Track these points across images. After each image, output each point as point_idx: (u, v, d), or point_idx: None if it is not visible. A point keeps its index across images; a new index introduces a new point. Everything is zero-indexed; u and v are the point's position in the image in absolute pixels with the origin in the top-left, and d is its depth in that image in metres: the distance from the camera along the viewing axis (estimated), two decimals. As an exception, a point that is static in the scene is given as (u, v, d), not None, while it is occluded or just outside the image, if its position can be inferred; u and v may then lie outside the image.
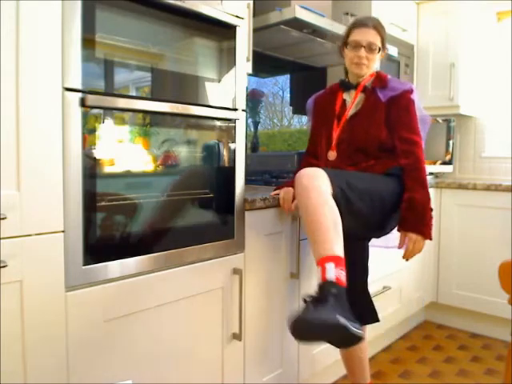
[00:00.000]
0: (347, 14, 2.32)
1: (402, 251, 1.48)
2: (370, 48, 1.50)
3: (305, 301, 1.12)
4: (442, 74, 2.75)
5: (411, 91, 1.53)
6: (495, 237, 2.42)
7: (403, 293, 2.35)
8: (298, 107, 2.82)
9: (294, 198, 1.52)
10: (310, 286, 1.74)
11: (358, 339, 1.07)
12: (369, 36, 1.50)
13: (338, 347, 1.12)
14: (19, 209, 0.94)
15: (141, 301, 1.19)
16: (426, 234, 1.43)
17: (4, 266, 0.91)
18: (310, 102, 1.76)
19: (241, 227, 1.45)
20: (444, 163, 2.89)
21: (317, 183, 1.24)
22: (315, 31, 1.99)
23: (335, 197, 1.26)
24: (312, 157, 1.72)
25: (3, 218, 0.91)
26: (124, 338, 1.16)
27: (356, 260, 1.53)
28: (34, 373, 0.98)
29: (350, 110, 1.58)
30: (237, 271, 1.43)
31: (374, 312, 1.54)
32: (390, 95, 1.52)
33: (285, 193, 1.51)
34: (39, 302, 0.98)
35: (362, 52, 1.50)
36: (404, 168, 1.48)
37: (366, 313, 1.53)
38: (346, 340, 1.08)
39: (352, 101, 1.58)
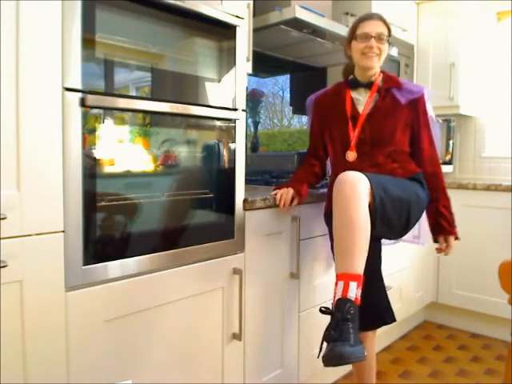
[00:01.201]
0: (347, 13, 2.32)
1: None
2: (379, 38, 1.48)
3: (323, 312, 1.22)
4: (442, 74, 2.75)
5: (426, 93, 1.56)
6: (495, 237, 2.42)
7: (403, 293, 2.35)
8: (298, 107, 2.82)
9: (292, 199, 1.53)
10: (310, 286, 1.75)
11: (362, 359, 1.15)
12: (377, 27, 1.49)
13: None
14: (19, 209, 0.94)
15: (141, 301, 1.18)
16: (456, 235, 1.60)
17: (4, 266, 0.91)
18: (310, 101, 1.73)
19: (241, 227, 1.45)
20: (444, 163, 2.89)
21: (358, 192, 1.25)
22: (315, 31, 1.98)
23: (373, 205, 1.29)
24: (313, 158, 1.71)
25: (3, 218, 0.91)
26: (124, 338, 1.16)
27: (375, 262, 1.52)
28: (34, 373, 0.98)
29: (367, 110, 1.54)
30: (237, 271, 1.43)
31: (392, 312, 1.54)
32: (410, 98, 1.52)
33: (285, 193, 1.52)
34: (39, 302, 0.98)
35: (373, 42, 1.48)
36: (428, 175, 1.55)
37: (385, 313, 1.53)
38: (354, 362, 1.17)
39: (368, 100, 1.55)
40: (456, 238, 1.59)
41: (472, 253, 2.50)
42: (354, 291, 1.18)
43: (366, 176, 1.30)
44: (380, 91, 1.54)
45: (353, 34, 1.53)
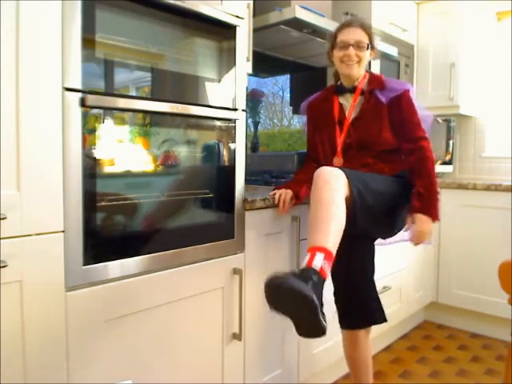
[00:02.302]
0: (347, 13, 2.32)
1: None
2: (358, 46, 1.49)
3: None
4: (442, 74, 2.75)
5: (410, 90, 1.54)
6: (495, 237, 2.42)
7: (403, 293, 2.35)
8: (298, 107, 2.79)
9: (290, 200, 1.53)
10: (310, 286, 1.75)
11: (322, 331, 1.08)
12: (355, 34, 1.50)
13: (300, 334, 1.13)
14: (19, 209, 0.94)
15: (141, 301, 1.18)
16: (434, 215, 1.45)
17: (4, 266, 0.91)
18: (304, 106, 1.75)
19: (241, 227, 1.45)
20: (444, 163, 2.90)
21: (333, 181, 1.28)
22: (315, 31, 1.99)
23: (352, 196, 1.31)
24: (313, 161, 1.70)
25: (3, 218, 0.91)
26: (124, 338, 1.16)
27: (365, 261, 1.53)
28: (34, 373, 0.98)
29: (352, 114, 1.56)
30: (237, 271, 1.43)
31: (382, 312, 1.53)
32: (390, 96, 1.52)
33: (284, 193, 1.52)
34: (39, 302, 0.98)
35: (351, 50, 1.49)
36: (412, 163, 1.51)
37: (374, 313, 1.52)
38: (311, 326, 1.09)
39: (352, 104, 1.57)
40: (434, 220, 1.45)
41: (472, 253, 2.50)
42: (320, 261, 1.15)
43: (343, 170, 1.32)
44: (364, 94, 1.55)
45: (333, 42, 1.54)
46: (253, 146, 2.53)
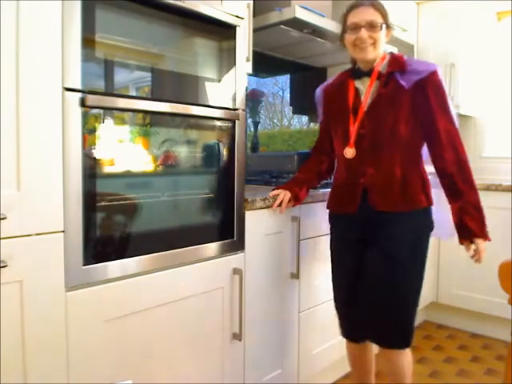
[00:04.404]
0: (347, 14, 2.32)
1: None
2: (371, 26, 1.33)
3: None
4: (442, 74, 2.74)
5: (437, 71, 1.35)
6: (495, 237, 2.40)
7: (403, 293, 2.34)
8: (298, 107, 2.82)
9: (289, 201, 1.52)
10: (310, 286, 1.75)
11: None
12: (367, 14, 1.33)
13: None
14: (19, 209, 0.94)
15: (141, 301, 1.18)
16: (487, 236, 1.35)
17: (4, 266, 0.91)
18: (319, 92, 1.60)
19: (241, 227, 1.45)
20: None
21: None
22: (315, 31, 1.98)
23: None
24: (320, 154, 1.61)
25: (3, 218, 0.91)
26: (124, 338, 1.16)
27: (380, 272, 1.38)
28: (34, 373, 0.98)
29: (368, 100, 1.39)
30: (237, 271, 1.43)
31: (401, 336, 1.39)
32: (414, 80, 1.33)
33: (283, 194, 1.52)
34: (39, 301, 0.98)
35: (363, 33, 1.33)
36: (449, 163, 1.35)
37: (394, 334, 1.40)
38: None
39: (367, 89, 1.40)
40: (486, 239, 1.35)
41: (472, 253, 2.50)
42: None
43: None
44: (381, 77, 1.38)
45: (344, 26, 1.40)
46: (253, 146, 2.53)
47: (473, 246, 1.36)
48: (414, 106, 1.34)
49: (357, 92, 1.43)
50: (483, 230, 1.35)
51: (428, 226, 1.42)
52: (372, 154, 1.38)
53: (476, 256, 1.37)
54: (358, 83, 1.44)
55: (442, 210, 1.42)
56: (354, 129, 1.40)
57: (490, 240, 1.36)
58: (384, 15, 1.36)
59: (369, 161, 1.39)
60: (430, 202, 1.40)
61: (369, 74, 1.40)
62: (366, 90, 1.41)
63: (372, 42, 1.34)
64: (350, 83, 1.45)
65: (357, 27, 1.34)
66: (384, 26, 1.35)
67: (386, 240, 1.37)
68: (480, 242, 1.35)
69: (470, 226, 1.33)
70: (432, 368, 2.12)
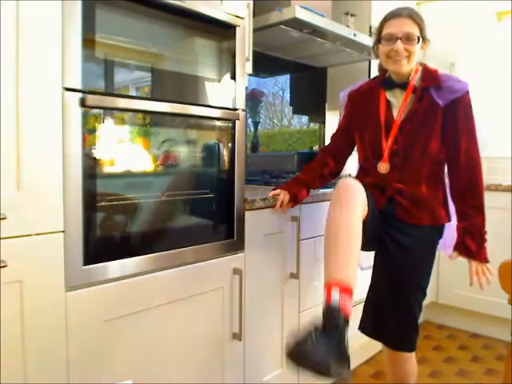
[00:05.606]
0: (347, 13, 2.32)
1: None
2: (407, 38, 1.29)
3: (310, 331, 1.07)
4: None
5: (469, 91, 1.34)
6: (495, 237, 2.41)
7: (403, 293, 2.34)
8: (298, 107, 2.82)
9: (288, 202, 1.53)
10: (310, 286, 1.75)
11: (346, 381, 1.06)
12: (404, 26, 1.29)
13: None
14: (19, 209, 0.94)
15: (141, 301, 1.18)
16: (484, 259, 1.37)
17: (4, 266, 0.91)
18: (343, 96, 1.58)
19: (241, 227, 1.45)
20: (444, 163, 2.89)
21: (354, 201, 1.20)
22: (315, 31, 1.98)
23: (366, 221, 1.25)
24: (330, 157, 1.59)
25: (3, 218, 0.91)
26: (124, 338, 1.16)
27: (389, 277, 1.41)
28: (34, 373, 0.98)
29: (402, 116, 1.37)
30: (237, 271, 1.43)
31: (407, 341, 1.40)
32: (450, 99, 1.32)
33: (283, 194, 1.52)
34: (39, 302, 0.98)
35: (399, 44, 1.29)
36: (461, 183, 1.36)
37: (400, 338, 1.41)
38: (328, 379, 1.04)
39: (403, 104, 1.37)
40: (483, 262, 1.36)
41: (472, 253, 2.50)
42: (337, 299, 1.08)
43: (364, 189, 1.28)
44: (416, 92, 1.36)
45: (379, 35, 1.36)
46: (253, 146, 2.53)
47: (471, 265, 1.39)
48: (443, 123, 1.34)
49: (388, 104, 1.41)
50: (481, 253, 1.36)
51: (439, 239, 1.45)
52: (402, 169, 1.38)
53: (472, 279, 1.40)
54: (389, 95, 1.41)
55: (448, 225, 1.45)
56: (387, 144, 1.39)
57: (487, 262, 1.37)
58: (422, 28, 1.33)
59: (398, 176, 1.39)
60: (449, 219, 1.42)
61: (402, 86, 1.38)
62: (399, 103, 1.39)
63: (407, 54, 1.31)
64: (381, 94, 1.42)
65: (392, 38, 1.31)
66: (421, 39, 1.33)
67: (399, 248, 1.38)
68: (475, 263, 1.37)
69: (470, 246, 1.36)
70: (432, 368, 2.12)
